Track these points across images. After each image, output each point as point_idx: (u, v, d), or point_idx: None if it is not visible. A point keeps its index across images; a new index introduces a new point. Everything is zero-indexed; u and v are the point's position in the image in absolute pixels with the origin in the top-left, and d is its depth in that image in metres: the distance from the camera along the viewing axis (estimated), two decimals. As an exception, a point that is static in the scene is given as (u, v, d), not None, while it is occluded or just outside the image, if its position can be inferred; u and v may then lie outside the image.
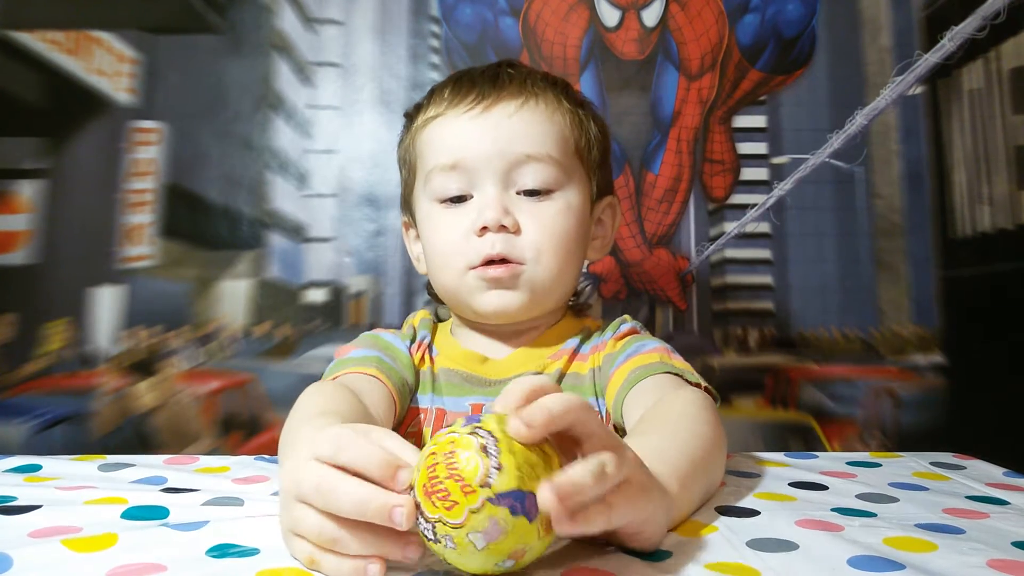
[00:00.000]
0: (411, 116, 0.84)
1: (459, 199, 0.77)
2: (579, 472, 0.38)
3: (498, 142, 0.75)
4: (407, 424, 0.80)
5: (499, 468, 0.38)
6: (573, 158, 0.79)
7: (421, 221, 0.82)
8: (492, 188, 0.75)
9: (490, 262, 0.75)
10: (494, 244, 0.74)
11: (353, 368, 0.75)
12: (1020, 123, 1.46)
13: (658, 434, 0.58)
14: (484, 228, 0.74)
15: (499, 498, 0.38)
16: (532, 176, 0.76)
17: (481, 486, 0.38)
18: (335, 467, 0.42)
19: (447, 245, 0.77)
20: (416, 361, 0.82)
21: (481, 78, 0.79)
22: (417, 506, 0.39)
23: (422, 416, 0.80)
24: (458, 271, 0.77)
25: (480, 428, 0.40)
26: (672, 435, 0.58)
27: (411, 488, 0.40)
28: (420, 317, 0.87)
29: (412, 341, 0.83)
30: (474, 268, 0.76)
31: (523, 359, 0.80)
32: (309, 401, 0.64)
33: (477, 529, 0.37)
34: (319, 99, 1.51)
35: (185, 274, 1.47)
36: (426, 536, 0.39)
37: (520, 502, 0.38)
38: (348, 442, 0.42)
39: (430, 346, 0.84)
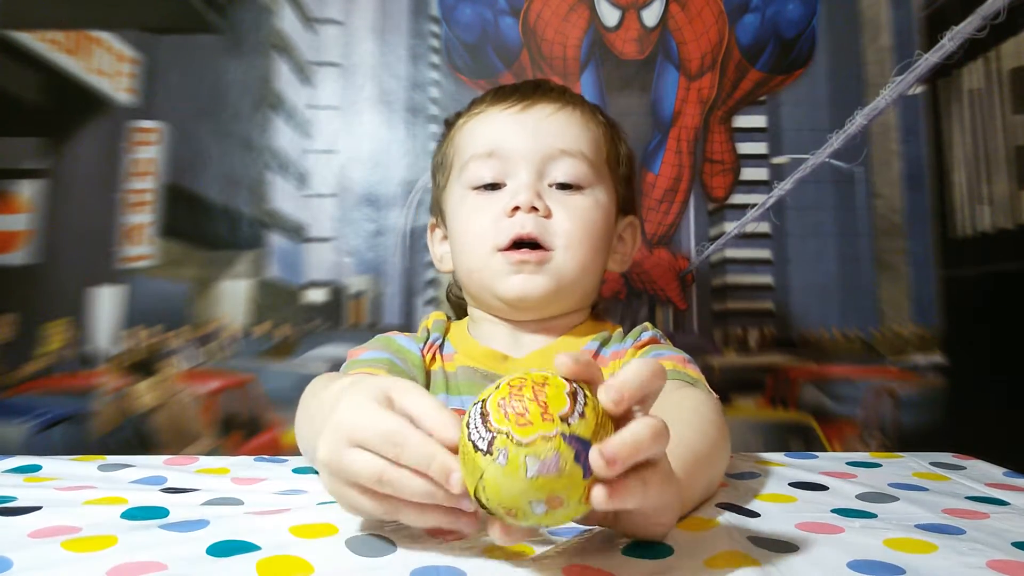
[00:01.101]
0: (450, 122, 0.88)
1: (493, 187, 0.79)
2: (634, 431, 0.39)
3: (535, 136, 0.78)
4: None
5: (582, 415, 0.39)
6: (604, 165, 0.82)
7: (453, 208, 0.83)
8: (526, 175, 0.77)
9: (519, 245, 0.77)
10: (524, 224, 0.76)
11: (364, 368, 0.75)
12: (1020, 123, 1.46)
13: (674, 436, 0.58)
14: (516, 208, 0.76)
15: (571, 439, 0.38)
16: (565, 170, 0.78)
17: (562, 419, 0.38)
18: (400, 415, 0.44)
19: (477, 227, 0.79)
20: (427, 363, 0.81)
21: (523, 85, 0.83)
22: (484, 418, 0.39)
23: None
24: (485, 252, 0.78)
25: (574, 382, 0.40)
26: (679, 431, 0.58)
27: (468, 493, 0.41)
28: (434, 319, 0.87)
29: (424, 343, 0.83)
30: (501, 250, 0.77)
31: (543, 359, 0.80)
32: (324, 381, 0.65)
33: (539, 456, 0.37)
34: (319, 99, 1.51)
35: (185, 274, 1.47)
36: (475, 444, 0.39)
37: (586, 452, 0.38)
38: (406, 439, 0.43)
39: (442, 346, 0.84)
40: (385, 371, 0.75)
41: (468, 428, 0.40)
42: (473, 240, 0.80)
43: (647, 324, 0.85)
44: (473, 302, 0.86)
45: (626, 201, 0.87)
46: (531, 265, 0.76)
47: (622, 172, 0.86)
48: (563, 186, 0.78)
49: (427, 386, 0.81)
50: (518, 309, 0.80)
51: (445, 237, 0.87)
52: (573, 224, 0.77)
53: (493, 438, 0.38)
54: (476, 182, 0.80)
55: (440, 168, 0.88)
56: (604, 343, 0.82)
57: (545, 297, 0.78)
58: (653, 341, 0.81)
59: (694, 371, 0.74)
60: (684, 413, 0.61)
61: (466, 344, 0.84)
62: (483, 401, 0.40)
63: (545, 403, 0.38)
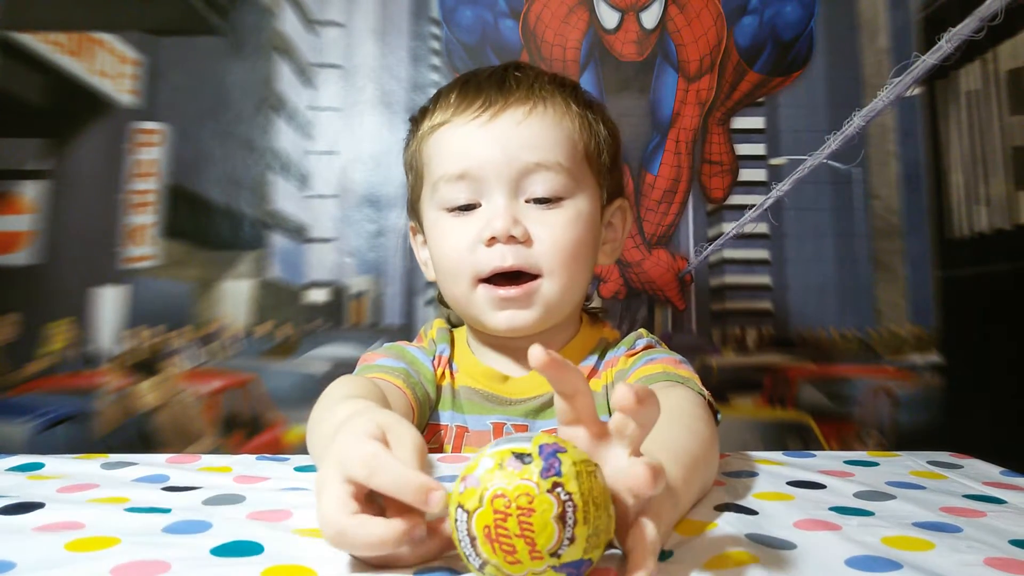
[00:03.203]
0: (417, 121, 0.82)
1: (467, 207, 0.75)
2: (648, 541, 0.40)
3: (507, 151, 0.73)
4: (427, 439, 0.79)
5: (571, 540, 0.38)
6: (583, 164, 0.77)
7: (429, 228, 0.80)
8: (501, 198, 0.73)
9: (501, 276, 0.73)
10: (504, 256, 0.73)
11: (381, 374, 0.74)
12: (1017, 124, 1.46)
13: (662, 431, 0.58)
14: (493, 238, 0.72)
15: (562, 567, 0.38)
16: (542, 184, 0.74)
17: (550, 555, 0.38)
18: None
19: (455, 253, 0.75)
20: (437, 376, 0.80)
21: (488, 82, 0.76)
22: (472, 540, 0.39)
23: (442, 432, 0.80)
24: (467, 283, 0.75)
25: (560, 483, 0.38)
26: (673, 432, 0.58)
27: (451, 508, 0.40)
28: (436, 328, 0.85)
29: (433, 356, 0.82)
30: (483, 281, 0.74)
31: (543, 378, 0.80)
32: (342, 387, 0.65)
33: None
34: (320, 100, 1.52)
35: (187, 274, 1.48)
36: (470, 561, 0.39)
37: (578, 570, 0.39)
38: (381, 464, 0.41)
39: (451, 360, 0.82)
40: (402, 380, 0.74)
41: (456, 530, 0.39)
42: (453, 268, 0.76)
43: (642, 331, 0.83)
44: (464, 320, 0.84)
45: (612, 187, 0.82)
46: (518, 301, 0.74)
47: (604, 161, 0.79)
48: (541, 200, 0.74)
49: (437, 400, 0.80)
50: (509, 335, 0.78)
51: (427, 242, 0.83)
52: (556, 246, 0.73)
53: (484, 564, 0.39)
54: (450, 204, 0.76)
55: (411, 169, 0.83)
56: (602, 355, 0.81)
57: (535, 326, 0.76)
58: (648, 348, 0.80)
59: (685, 371, 0.73)
60: (675, 413, 0.61)
61: (467, 361, 0.82)
62: (469, 515, 0.39)
63: (532, 540, 0.37)
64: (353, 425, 0.46)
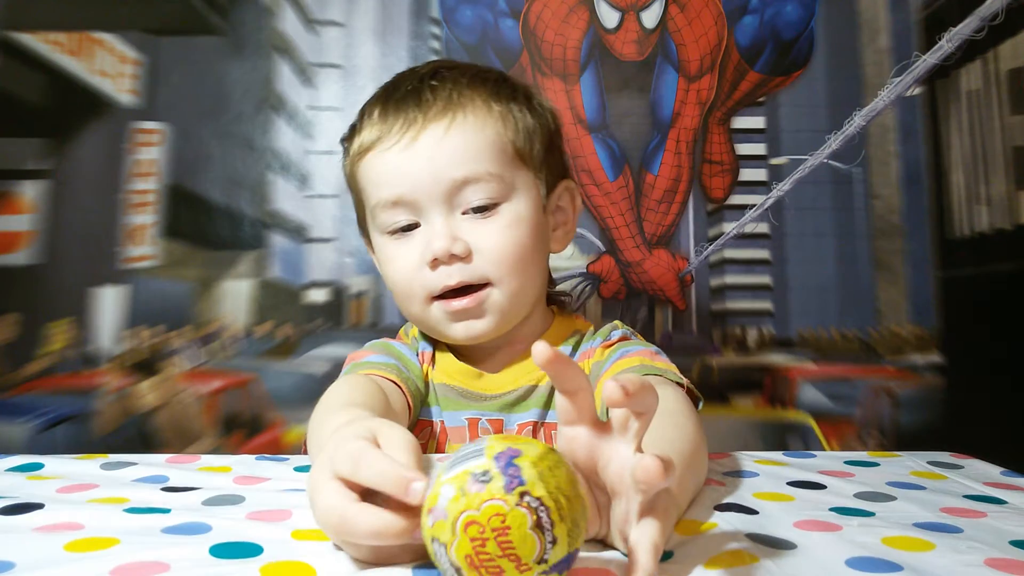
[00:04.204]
0: (346, 140, 0.81)
1: (408, 227, 0.76)
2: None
3: (433, 171, 0.73)
4: (416, 435, 0.79)
5: (554, 542, 0.37)
6: (513, 163, 0.76)
7: (377, 251, 0.81)
8: (437, 216, 0.74)
9: (452, 292, 0.74)
10: (451, 275, 0.73)
11: (373, 370, 0.74)
12: (1018, 124, 1.46)
13: (652, 431, 0.58)
14: (435, 260, 0.73)
15: (552, 568, 0.38)
16: (474, 195, 0.74)
17: (538, 563, 0.37)
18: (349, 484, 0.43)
19: (404, 277, 0.76)
20: (423, 373, 0.81)
21: (406, 99, 0.75)
22: (457, 570, 0.38)
23: (430, 428, 0.80)
24: (421, 302, 0.76)
25: (526, 491, 0.37)
26: (662, 432, 0.58)
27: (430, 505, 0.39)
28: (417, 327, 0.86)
29: (417, 353, 0.82)
30: (436, 298, 0.75)
31: (518, 373, 0.80)
32: (342, 390, 0.65)
33: None
34: (320, 100, 1.52)
35: (187, 274, 1.48)
36: None
37: (567, 564, 0.38)
38: (365, 458, 0.42)
39: (433, 358, 0.83)
40: (396, 375, 0.75)
41: (439, 563, 0.39)
42: (405, 291, 0.76)
43: (617, 323, 0.83)
44: (427, 333, 0.84)
45: (553, 172, 0.80)
46: (470, 310, 0.74)
47: (537, 152, 0.78)
48: (479, 208, 0.74)
49: (425, 396, 0.81)
50: (470, 344, 0.79)
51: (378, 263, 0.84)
52: (499, 254, 0.74)
53: None
54: (390, 228, 0.76)
55: (351, 191, 0.83)
56: (576, 346, 0.82)
57: (493, 333, 0.76)
58: (623, 339, 0.80)
59: (662, 362, 0.74)
60: (663, 413, 0.61)
61: (444, 359, 0.82)
62: (447, 547, 0.38)
63: (516, 556, 0.37)
64: (345, 430, 0.46)
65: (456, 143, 0.74)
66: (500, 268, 0.74)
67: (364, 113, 0.79)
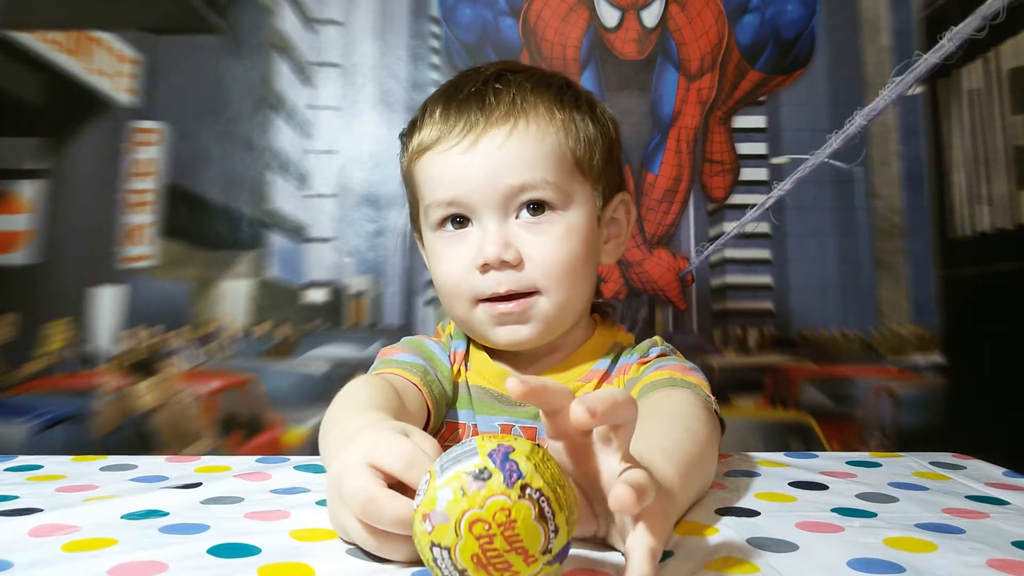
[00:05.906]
0: (406, 136, 0.82)
1: (461, 226, 0.76)
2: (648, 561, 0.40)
3: (491, 175, 0.73)
4: (444, 437, 0.79)
5: (556, 531, 0.38)
6: (572, 173, 0.76)
7: (427, 248, 0.81)
8: (491, 221, 0.74)
9: (499, 296, 0.74)
10: (500, 282, 0.73)
11: (399, 370, 0.74)
12: (1019, 123, 1.46)
13: (659, 432, 0.58)
14: (486, 264, 0.73)
15: (555, 558, 0.39)
16: (530, 202, 0.74)
17: (543, 553, 0.38)
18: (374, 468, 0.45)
19: (452, 277, 0.76)
20: (454, 373, 0.81)
21: (468, 101, 0.75)
22: (462, 572, 0.38)
23: (460, 431, 0.80)
24: (467, 303, 0.76)
25: (527, 484, 0.38)
26: (671, 432, 0.58)
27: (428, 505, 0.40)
28: (455, 324, 0.85)
29: (449, 352, 0.82)
30: (483, 301, 0.75)
31: (558, 379, 0.79)
32: (359, 390, 0.65)
33: None
34: (319, 99, 1.52)
35: (185, 274, 1.48)
36: None
37: (566, 552, 0.40)
38: (419, 459, 0.44)
39: (466, 358, 0.82)
40: (419, 378, 0.74)
41: (440, 570, 0.39)
42: (452, 291, 0.76)
43: (657, 338, 0.82)
44: (469, 335, 0.84)
45: (610, 184, 0.80)
46: (515, 315, 0.74)
47: (597, 163, 0.78)
48: (534, 216, 0.74)
49: (454, 398, 0.80)
50: (513, 350, 0.79)
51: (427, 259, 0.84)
52: (550, 263, 0.73)
53: None
54: (442, 218, 0.76)
55: (407, 186, 0.83)
56: (615, 359, 0.81)
57: (535, 340, 0.76)
58: (662, 356, 0.79)
59: (694, 378, 0.73)
60: (675, 413, 0.61)
61: (478, 358, 0.82)
62: (450, 550, 0.38)
63: (523, 549, 0.38)
64: (380, 425, 0.49)
65: (516, 150, 0.73)
66: (550, 278, 0.74)
67: (425, 110, 0.79)
